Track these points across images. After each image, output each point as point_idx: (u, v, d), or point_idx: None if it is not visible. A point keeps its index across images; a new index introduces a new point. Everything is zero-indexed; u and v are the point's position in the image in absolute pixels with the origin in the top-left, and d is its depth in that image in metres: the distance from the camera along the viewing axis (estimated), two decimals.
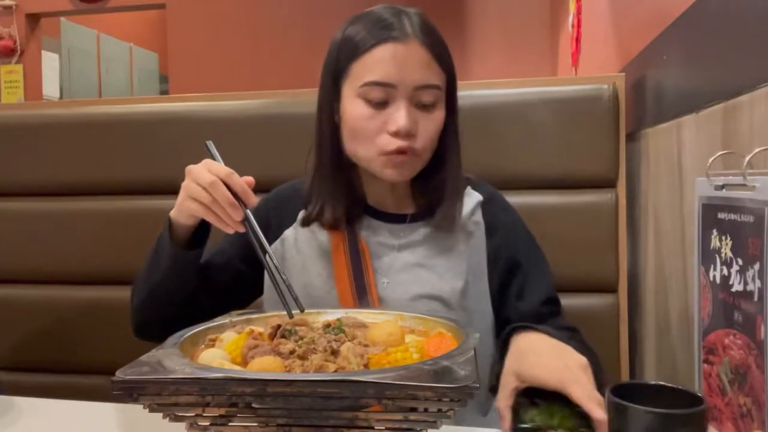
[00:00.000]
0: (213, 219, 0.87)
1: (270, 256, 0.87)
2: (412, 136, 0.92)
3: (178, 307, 0.98)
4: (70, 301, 1.48)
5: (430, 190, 0.99)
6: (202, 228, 0.95)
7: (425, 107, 0.93)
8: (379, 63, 0.91)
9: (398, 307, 0.93)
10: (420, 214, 1.00)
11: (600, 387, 0.73)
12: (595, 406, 0.67)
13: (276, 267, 0.86)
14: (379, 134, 0.92)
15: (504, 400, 0.75)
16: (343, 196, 0.99)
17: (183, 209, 0.89)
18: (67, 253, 1.48)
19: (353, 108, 0.93)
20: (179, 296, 0.98)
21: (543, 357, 0.77)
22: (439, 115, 0.94)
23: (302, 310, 0.84)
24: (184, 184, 0.89)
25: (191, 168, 0.88)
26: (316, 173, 1.00)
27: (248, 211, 0.86)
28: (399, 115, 0.90)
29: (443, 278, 0.97)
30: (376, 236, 1.00)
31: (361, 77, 0.92)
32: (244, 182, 0.86)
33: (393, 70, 0.90)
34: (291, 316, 0.82)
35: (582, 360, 0.75)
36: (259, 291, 1.05)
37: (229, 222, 0.85)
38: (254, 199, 0.86)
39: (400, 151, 0.92)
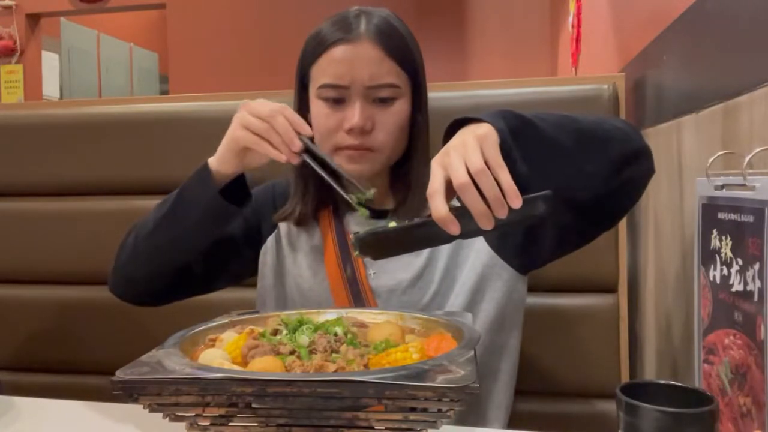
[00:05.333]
0: (266, 148, 0.86)
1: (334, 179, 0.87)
2: (366, 132, 0.94)
3: (176, 268, 0.98)
4: (70, 301, 1.48)
5: (404, 186, 1.00)
6: (237, 190, 0.94)
7: (383, 102, 0.95)
8: (331, 65, 0.94)
9: (397, 306, 0.94)
10: (399, 209, 1.01)
11: (519, 137, 0.73)
12: (433, 173, 0.68)
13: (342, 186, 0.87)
14: (337, 131, 0.95)
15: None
16: (312, 195, 1.03)
17: (236, 138, 0.89)
18: (67, 253, 1.48)
19: (314, 109, 0.97)
20: (186, 256, 0.97)
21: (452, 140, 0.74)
22: (398, 109, 0.96)
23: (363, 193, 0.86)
24: (237, 116, 0.89)
25: (247, 101, 0.89)
26: (292, 172, 1.04)
27: (307, 139, 0.87)
28: (351, 113, 0.94)
29: (429, 260, 0.98)
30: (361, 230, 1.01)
31: (318, 80, 0.96)
32: (297, 114, 0.88)
33: (344, 71, 0.93)
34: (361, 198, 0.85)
35: (479, 129, 0.71)
36: (248, 272, 1.08)
37: (284, 151, 0.86)
38: (308, 129, 0.88)
39: (354, 147, 0.94)
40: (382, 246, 0.73)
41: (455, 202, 0.69)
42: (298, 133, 0.86)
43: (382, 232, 0.72)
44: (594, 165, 0.81)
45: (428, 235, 0.70)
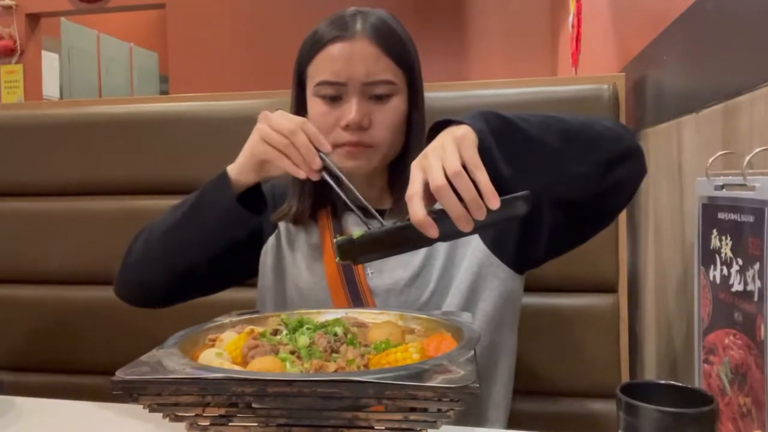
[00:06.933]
0: (287, 164, 0.87)
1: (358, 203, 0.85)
2: (364, 129, 0.95)
3: (184, 270, 0.98)
4: (70, 301, 1.48)
5: (400, 184, 1.00)
6: (253, 198, 0.94)
7: (379, 98, 0.96)
8: (328, 62, 0.95)
9: (395, 306, 0.94)
10: (397, 209, 1.01)
11: (503, 137, 0.73)
12: (412, 176, 0.69)
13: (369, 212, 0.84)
14: (335, 129, 0.96)
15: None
16: (307, 194, 1.03)
17: (256, 153, 0.89)
18: (67, 253, 1.48)
19: (312, 107, 0.98)
20: (197, 259, 0.97)
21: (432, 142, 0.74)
22: (395, 106, 0.96)
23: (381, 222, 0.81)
24: (257, 128, 0.89)
25: (267, 114, 0.89)
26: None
27: (325, 156, 0.87)
28: (349, 110, 0.94)
29: (426, 259, 0.98)
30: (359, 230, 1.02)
31: (315, 77, 0.96)
32: (317, 130, 0.87)
33: (340, 67, 0.94)
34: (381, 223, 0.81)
35: (458, 130, 0.71)
36: (250, 272, 1.08)
37: (303, 168, 0.86)
38: (328, 146, 0.87)
39: (351, 144, 0.95)
40: (361, 251, 0.73)
41: (439, 204, 0.69)
42: (318, 150, 0.86)
43: (360, 237, 0.73)
44: (581, 165, 0.81)
45: (408, 239, 0.71)
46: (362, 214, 0.85)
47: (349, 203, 0.86)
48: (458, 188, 0.66)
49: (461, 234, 0.68)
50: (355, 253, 0.73)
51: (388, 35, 0.96)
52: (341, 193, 0.86)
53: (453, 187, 0.67)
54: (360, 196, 0.86)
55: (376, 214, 0.83)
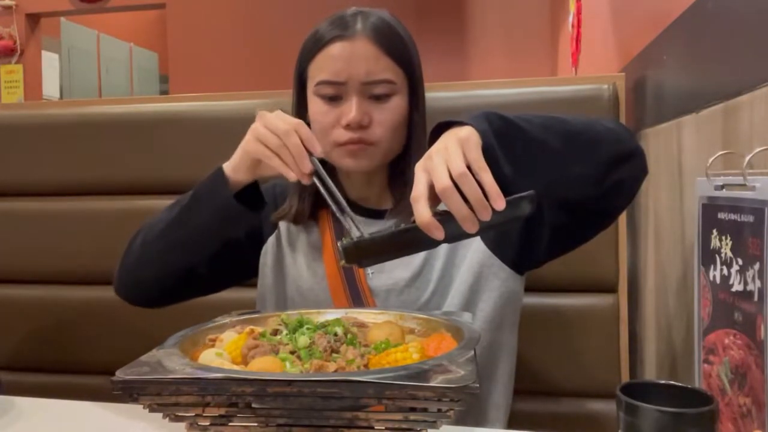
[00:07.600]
0: (278, 164, 0.86)
1: (345, 210, 0.85)
2: (364, 127, 0.95)
3: (183, 269, 0.98)
4: (70, 301, 1.48)
5: (401, 184, 1.00)
6: (251, 196, 0.94)
7: (379, 98, 0.96)
8: (328, 62, 0.95)
9: (396, 306, 0.94)
10: (396, 208, 1.01)
11: (504, 137, 0.73)
12: (416, 178, 0.69)
13: (353, 222, 0.83)
14: (335, 128, 0.96)
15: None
16: (308, 193, 1.03)
17: (249, 150, 0.89)
18: (67, 253, 1.48)
19: (312, 106, 0.98)
20: (195, 258, 0.97)
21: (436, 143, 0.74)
22: (395, 105, 0.96)
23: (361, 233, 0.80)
24: (252, 127, 0.89)
25: (264, 113, 0.89)
26: None
27: (317, 161, 0.86)
28: (349, 109, 0.94)
29: (426, 260, 0.98)
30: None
31: (315, 77, 0.97)
32: (311, 132, 0.87)
33: (340, 67, 0.94)
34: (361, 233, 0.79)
35: (461, 131, 0.72)
36: (250, 272, 1.08)
37: (294, 170, 0.85)
38: (320, 150, 0.87)
39: (352, 142, 0.95)
40: (366, 254, 0.73)
41: (443, 206, 0.69)
42: (310, 154, 0.85)
43: (365, 240, 0.72)
44: (583, 166, 0.81)
45: (413, 241, 0.70)
46: (349, 223, 0.83)
47: (336, 212, 0.85)
48: (463, 189, 0.66)
49: (466, 235, 0.68)
50: (360, 256, 0.73)
51: (388, 35, 0.96)
52: (330, 202, 0.85)
53: (458, 189, 0.67)
54: (348, 209, 0.84)
55: (359, 227, 0.80)
